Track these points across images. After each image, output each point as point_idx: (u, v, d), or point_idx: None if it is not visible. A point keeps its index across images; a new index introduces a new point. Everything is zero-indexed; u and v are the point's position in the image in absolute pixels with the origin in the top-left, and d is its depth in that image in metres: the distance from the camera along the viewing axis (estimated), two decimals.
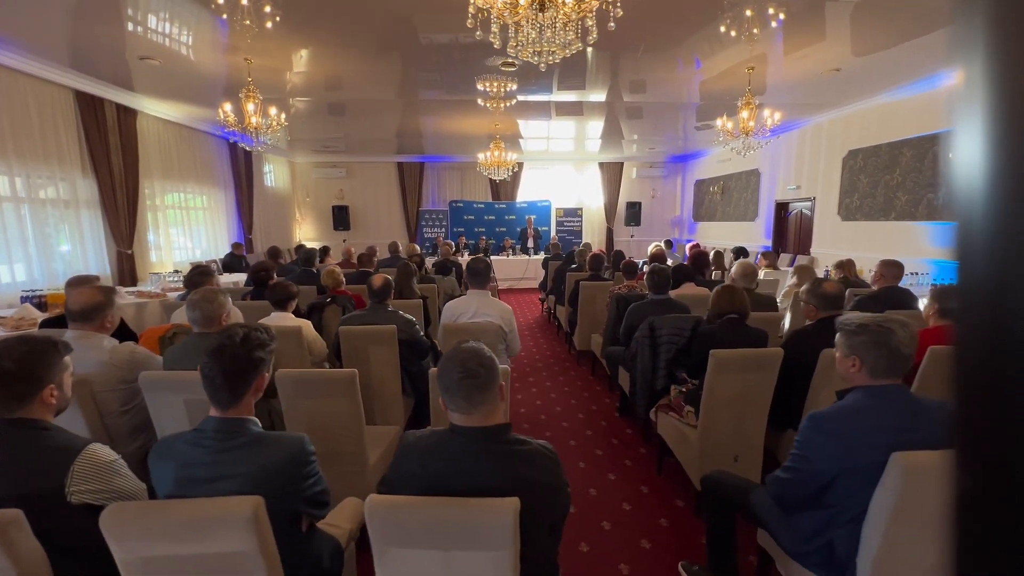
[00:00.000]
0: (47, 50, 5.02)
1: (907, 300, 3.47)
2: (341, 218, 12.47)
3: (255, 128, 5.21)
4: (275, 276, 4.14)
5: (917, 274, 5.54)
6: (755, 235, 10.02)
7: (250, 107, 5.03)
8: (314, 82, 6.22)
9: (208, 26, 4.50)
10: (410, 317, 3.20)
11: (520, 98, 7.25)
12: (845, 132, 7.59)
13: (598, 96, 7.21)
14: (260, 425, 1.34)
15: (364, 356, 3.03)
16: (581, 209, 12.75)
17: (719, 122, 5.76)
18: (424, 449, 1.27)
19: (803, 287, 2.67)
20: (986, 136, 0.25)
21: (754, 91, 6.27)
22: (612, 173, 13.06)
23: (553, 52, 2.33)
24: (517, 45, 2.35)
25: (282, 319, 3.12)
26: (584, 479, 2.98)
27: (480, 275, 3.17)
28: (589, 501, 2.76)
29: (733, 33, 4.69)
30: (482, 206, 12.57)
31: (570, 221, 12.62)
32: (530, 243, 11.57)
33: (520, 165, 12.91)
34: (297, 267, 5.19)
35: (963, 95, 0.26)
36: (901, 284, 5.59)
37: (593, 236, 13.24)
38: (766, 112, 5.46)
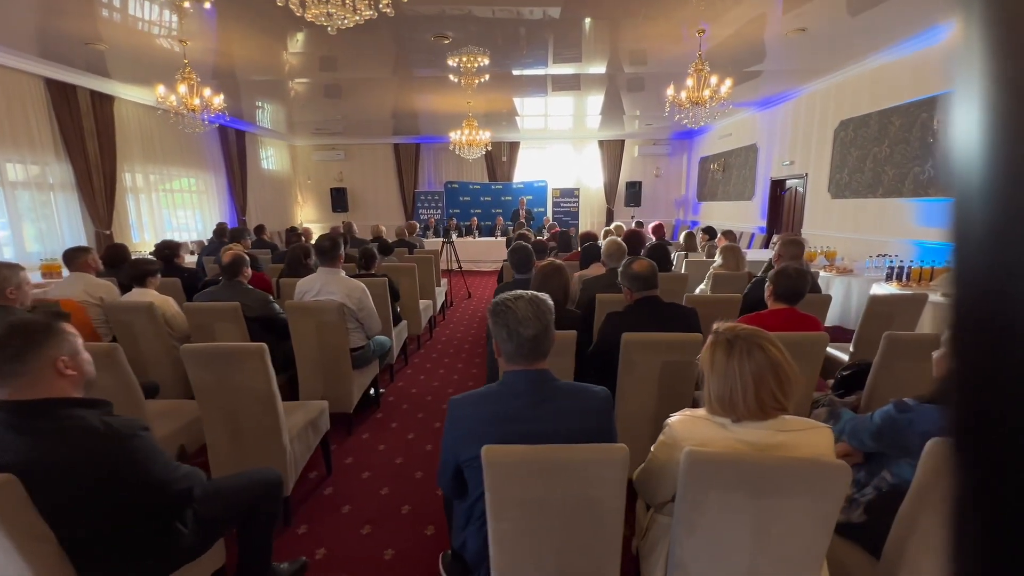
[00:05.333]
0: (12, 39, 5.27)
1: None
2: (339, 200, 12.68)
3: (192, 109, 5.32)
4: (180, 254, 4.24)
5: (885, 255, 5.01)
6: (751, 215, 9.41)
7: (182, 89, 5.13)
8: (305, 63, 6.28)
9: (147, 10, 4.56)
10: (264, 295, 3.19)
11: (515, 72, 6.99)
12: (837, 101, 6.95)
13: (597, 68, 6.84)
14: None
15: (210, 332, 3.05)
16: (578, 189, 12.38)
17: (669, 92, 5.37)
18: None
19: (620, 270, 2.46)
20: (988, 99, 0.22)
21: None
22: (613, 151, 12.57)
23: (344, 16, 2.20)
24: (301, 5, 2.23)
25: (141, 295, 3.18)
26: (418, 461, 2.91)
27: (327, 253, 3.11)
28: (409, 484, 2.69)
29: None
30: (478, 187, 12.43)
31: (567, 202, 12.30)
32: None
33: (516, 144, 12.66)
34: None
35: (962, 51, 0.22)
36: (866, 265, 5.16)
37: (592, 217, 12.87)
38: (714, 79, 5.04)
